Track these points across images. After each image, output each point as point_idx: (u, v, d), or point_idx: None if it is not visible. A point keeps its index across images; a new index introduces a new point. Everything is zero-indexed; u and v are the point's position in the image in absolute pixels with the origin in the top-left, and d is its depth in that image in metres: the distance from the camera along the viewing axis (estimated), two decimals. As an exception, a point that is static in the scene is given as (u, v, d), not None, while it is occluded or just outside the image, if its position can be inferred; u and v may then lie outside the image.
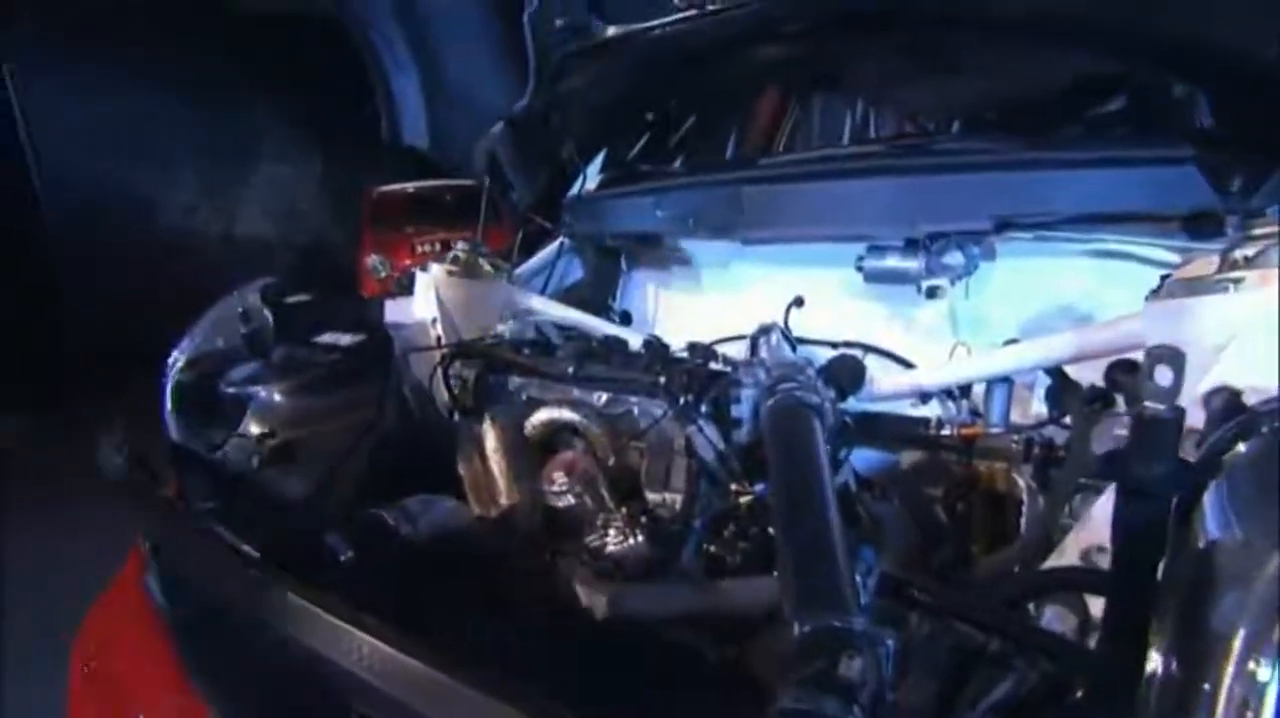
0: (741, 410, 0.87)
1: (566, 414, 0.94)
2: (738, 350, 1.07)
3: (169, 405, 1.00)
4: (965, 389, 1.05)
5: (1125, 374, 0.81)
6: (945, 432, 0.99)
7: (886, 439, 1.06)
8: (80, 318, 6.66)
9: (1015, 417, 0.98)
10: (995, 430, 0.96)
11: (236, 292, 1.12)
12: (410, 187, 7.17)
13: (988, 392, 0.97)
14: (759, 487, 0.81)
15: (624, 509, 0.81)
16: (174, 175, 7.93)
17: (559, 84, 1.44)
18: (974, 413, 1.04)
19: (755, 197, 1.15)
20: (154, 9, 6.83)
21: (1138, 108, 1.21)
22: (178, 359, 1.03)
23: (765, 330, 1.07)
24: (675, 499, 0.85)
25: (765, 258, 1.29)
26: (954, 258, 1.05)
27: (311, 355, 0.96)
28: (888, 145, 1.18)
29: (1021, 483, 0.94)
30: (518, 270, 1.47)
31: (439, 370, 1.08)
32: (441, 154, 1.64)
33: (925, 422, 1.01)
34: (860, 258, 1.10)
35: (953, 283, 1.07)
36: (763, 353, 1.02)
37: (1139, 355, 0.80)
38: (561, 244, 1.54)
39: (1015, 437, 0.94)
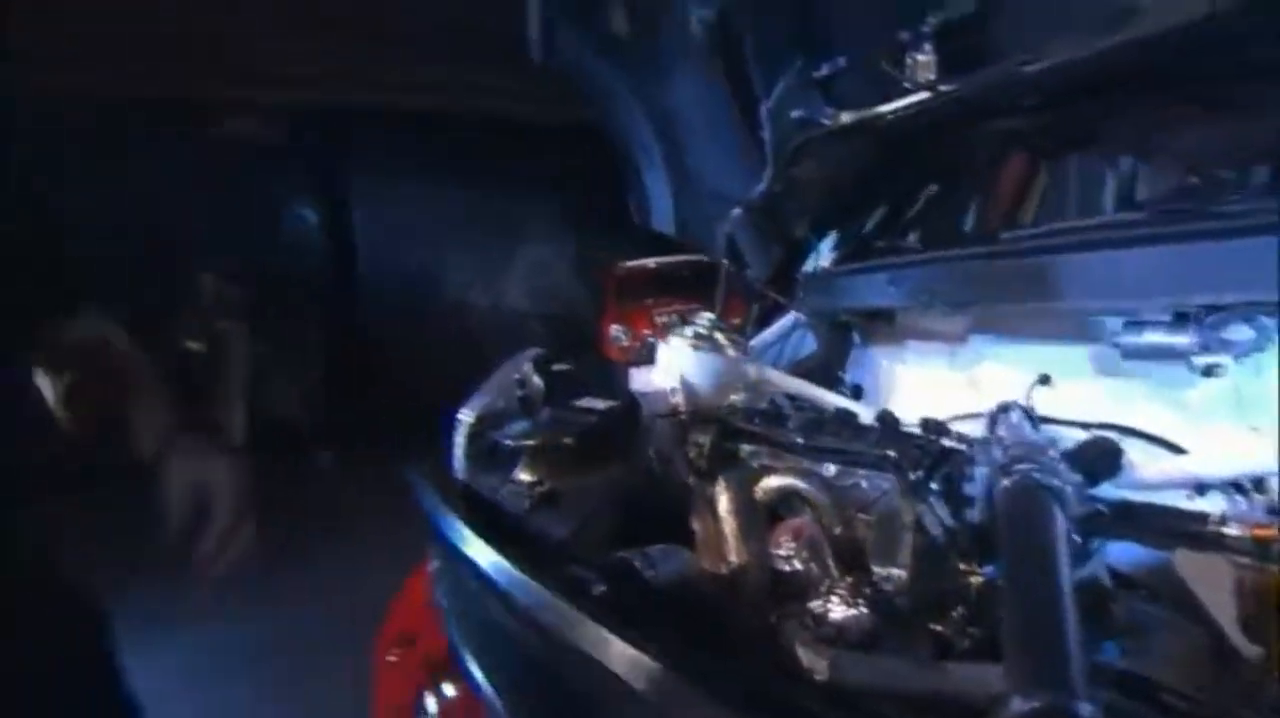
0: (974, 489, 0.86)
1: (796, 482, 0.99)
2: (974, 428, 1.04)
3: (459, 453, 1.21)
4: (1258, 482, 0.92)
5: None
6: (1232, 531, 0.87)
7: (1153, 533, 0.95)
8: (383, 370, 8.24)
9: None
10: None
11: (512, 360, 1.33)
12: (650, 262, 7.75)
13: (1291, 484, 0.85)
14: (989, 568, 0.79)
15: (848, 578, 0.83)
16: (455, 258, 9.55)
17: (794, 169, 1.53)
18: (1273, 511, 0.91)
19: (997, 271, 1.13)
20: (452, 130, 8.53)
21: None
22: (466, 415, 1.24)
23: (1004, 408, 1.03)
24: (900, 574, 0.85)
25: (1006, 333, 1.24)
26: (1238, 332, 0.94)
27: (573, 416, 1.11)
28: (1149, 212, 1.09)
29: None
30: (752, 343, 1.56)
31: (678, 435, 1.18)
32: (685, 237, 1.80)
33: (1203, 517, 0.90)
34: (1116, 333, 1.02)
35: (1236, 359, 0.96)
36: (1001, 431, 0.99)
37: None
38: (795, 319, 1.60)
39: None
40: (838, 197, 1.57)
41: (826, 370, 1.54)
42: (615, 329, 7.10)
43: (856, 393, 1.51)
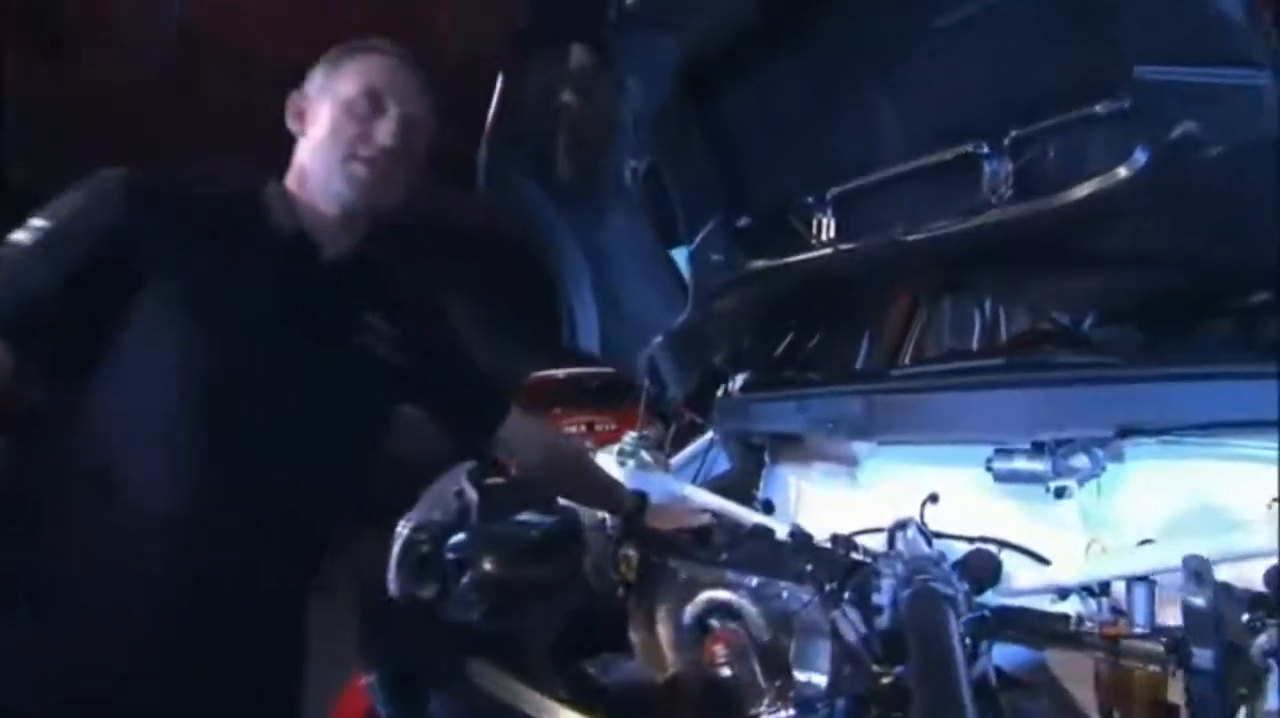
0: (882, 599, 0.97)
1: (723, 595, 1.08)
2: (876, 542, 1.18)
3: (394, 565, 1.23)
4: (1105, 587, 1.08)
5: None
6: (1086, 629, 1.01)
7: (1028, 635, 1.09)
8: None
9: (1170, 619, 0.99)
10: (1140, 631, 0.98)
11: (449, 473, 1.38)
12: (559, 373, 7.85)
13: (1129, 591, 1.01)
14: (899, 668, 0.89)
15: (776, 683, 0.92)
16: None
17: (713, 304, 1.71)
18: (1116, 611, 1.06)
19: (887, 406, 1.31)
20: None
21: None
22: (404, 527, 1.27)
23: (902, 525, 1.17)
24: (820, 680, 0.94)
25: (900, 456, 1.42)
26: (1079, 461, 1.14)
27: (516, 531, 1.17)
28: (1011, 358, 1.32)
29: (1177, 688, 0.94)
30: (673, 460, 1.67)
31: (609, 549, 1.26)
32: (609, 359, 1.94)
33: (1065, 618, 1.04)
34: (989, 459, 1.20)
35: (1080, 484, 1.15)
36: (900, 546, 1.12)
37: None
38: (711, 438, 1.74)
39: (1164, 640, 0.95)
40: (751, 330, 1.76)
41: (740, 487, 1.67)
42: (521, 439, 7.09)
43: (768, 508, 1.64)
